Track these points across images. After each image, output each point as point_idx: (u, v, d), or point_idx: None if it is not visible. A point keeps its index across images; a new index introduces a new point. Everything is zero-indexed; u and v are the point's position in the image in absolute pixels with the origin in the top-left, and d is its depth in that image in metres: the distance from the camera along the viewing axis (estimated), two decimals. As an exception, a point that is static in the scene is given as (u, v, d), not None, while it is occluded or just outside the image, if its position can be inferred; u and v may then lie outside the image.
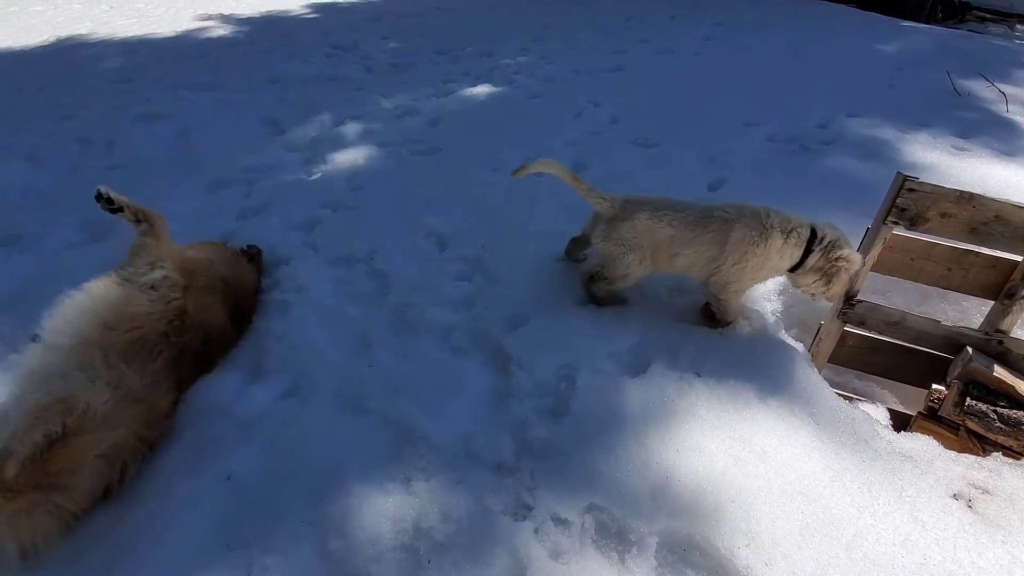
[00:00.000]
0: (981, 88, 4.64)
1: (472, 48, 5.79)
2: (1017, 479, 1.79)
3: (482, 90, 4.58)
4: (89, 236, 2.89)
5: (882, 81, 4.87)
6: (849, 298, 2.33)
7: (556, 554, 1.48)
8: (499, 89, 4.64)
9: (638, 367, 2.01)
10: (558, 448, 1.73)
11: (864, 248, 2.30)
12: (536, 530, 1.53)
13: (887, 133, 3.88)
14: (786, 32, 6.26)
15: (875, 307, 2.33)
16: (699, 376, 1.96)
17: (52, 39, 6.28)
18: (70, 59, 5.58)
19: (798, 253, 2.08)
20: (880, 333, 2.38)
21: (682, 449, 1.71)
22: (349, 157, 3.51)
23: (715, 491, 1.59)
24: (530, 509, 1.58)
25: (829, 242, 2.04)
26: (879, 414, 2.31)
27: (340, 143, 3.69)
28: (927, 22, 8.49)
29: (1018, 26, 10.52)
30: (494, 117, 4.12)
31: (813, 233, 2.06)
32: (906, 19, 7.45)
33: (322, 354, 2.07)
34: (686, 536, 1.51)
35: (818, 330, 2.50)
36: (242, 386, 2.02)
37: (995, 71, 4.93)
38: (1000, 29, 10.18)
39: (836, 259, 2.03)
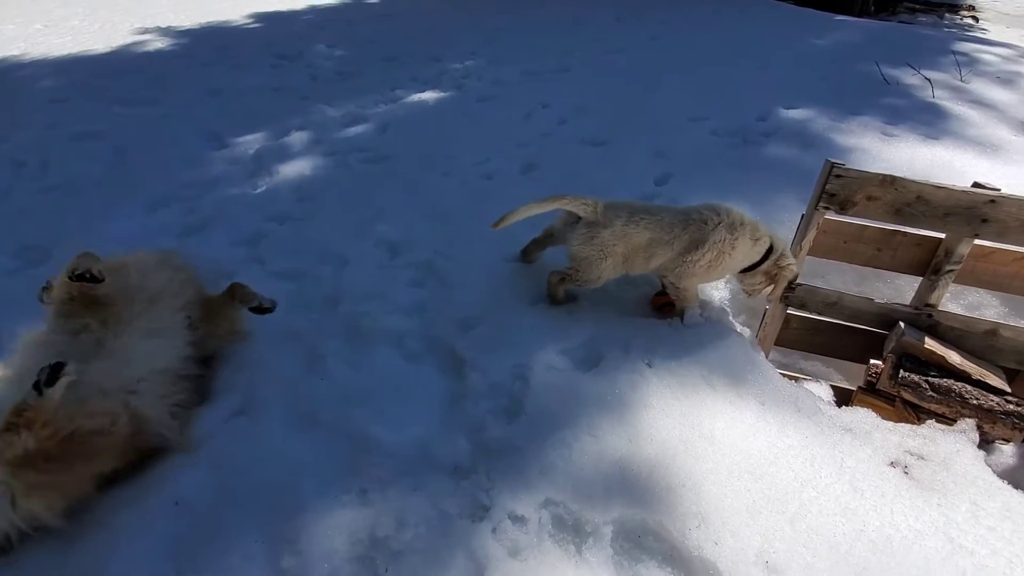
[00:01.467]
0: (908, 76, 4.89)
1: (420, 53, 5.77)
2: (950, 444, 1.90)
3: (431, 95, 4.58)
4: (25, 262, 2.75)
5: (817, 74, 5.07)
6: (789, 282, 2.42)
7: (514, 552, 1.49)
8: (448, 94, 4.64)
9: (591, 361, 2.04)
10: (514, 447, 1.74)
11: (800, 233, 2.39)
12: (494, 530, 1.53)
13: (821, 123, 4.05)
14: (728, 30, 6.47)
15: (814, 289, 2.43)
16: (650, 366, 2.00)
17: (-22, 60, 5.96)
18: (3, 81, 5.30)
19: (756, 258, 2.26)
20: (820, 314, 2.48)
21: (635, 438, 1.74)
22: (295, 168, 3.45)
23: (667, 476, 1.63)
24: (487, 509, 1.58)
25: (780, 251, 2.27)
26: (822, 391, 2.41)
27: (286, 154, 3.62)
28: (860, 15, 8.92)
29: (946, 15, 11.15)
30: (444, 122, 4.12)
31: (770, 244, 2.27)
32: (840, 13, 7.80)
33: (272, 370, 2.03)
34: (640, 522, 1.54)
35: (764, 315, 2.59)
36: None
37: (921, 59, 5.20)
38: (929, 19, 10.77)
39: (784, 266, 2.26)
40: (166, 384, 1.78)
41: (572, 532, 1.54)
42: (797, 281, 2.41)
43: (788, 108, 4.29)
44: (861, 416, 1.99)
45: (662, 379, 1.93)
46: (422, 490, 1.64)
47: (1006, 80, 5.05)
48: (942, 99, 4.51)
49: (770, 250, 2.26)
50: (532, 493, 1.61)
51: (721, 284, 2.66)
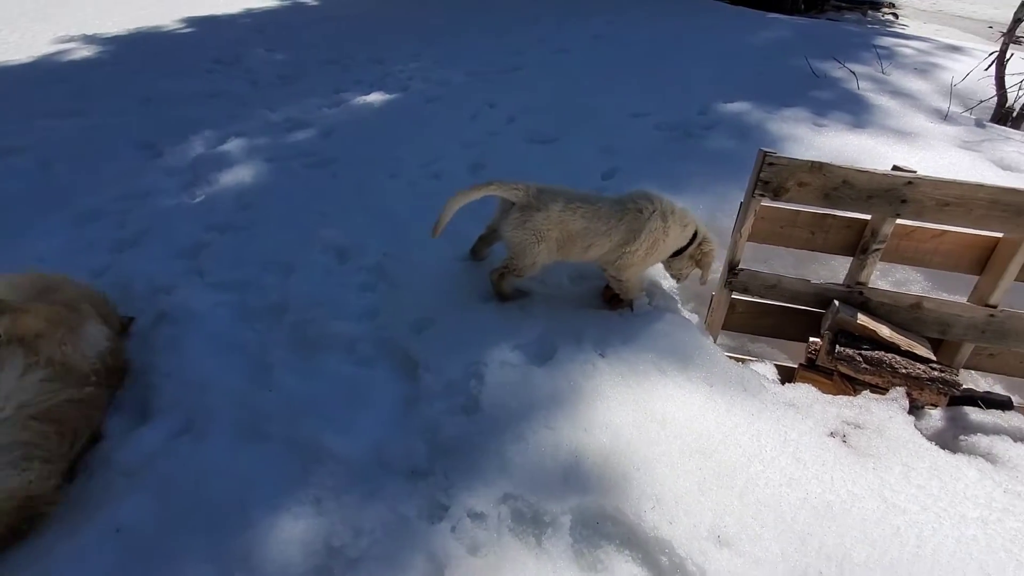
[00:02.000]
0: (835, 69, 5.16)
1: (363, 56, 5.69)
2: (883, 412, 2.01)
3: (376, 97, 4.52)
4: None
5: (752, 69, 5.29)
6: (732, 268, 2.52)
7: (474, 548, 1.49)
8: (393, 96, 4.59)
9: (544, 355, 2.06)
10: (471, 444, 1.74)
11: (739, 220, 2.49)
12: (453, 528, 1.53)
13: (758, 115, 4.23)
14: (667, 29, 6.66)
15: (755, 274, 2.53)
16: (603, 356, 2.04)
17: None
18: (-94, 95, 4.90)
19: (684, 243, 2.37)
20: (762, 297, 2.58)
21: (590, 427, 1.77)
22: (236, 175, 3.33)
23: (622, 462, 1.67)
24: (446, 509, 1.58)
25: (702, 235, 2.40)
26: (767, 370, 2.51)
27: (225, 162, 3.50)
28: (791, 14, 9.36)
29: (869, 12, 11.84)
30: (389, 124, 4.07)
31: (695, 229, 2.39)
32: (772, 12, 8.17)
33: (217, 384, 1.95)
34: (598, 509, 1.57)
35: (711, 301, 2.67)
36: (127, 431, 1.86)
37: (847, 54, 5.50)
38: (854, 16, 11.42)
39: (707, 250, 2.41)
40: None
41: (531, 524, 1.55)
42: (740, 267, 2.51)
43: (727, 102, 4.45)
44: (802, 391, 2.08)
45: (615, 368, 1.97)
46: (378, 495, 1.62)
47: (922, 71, 5.40)
48: (866, 90, 4.78)
49: (695, 235, 2.37)
50: (491, 489, 1.61)
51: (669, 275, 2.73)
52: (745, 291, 2.57)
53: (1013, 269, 2.32)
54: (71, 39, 6.60)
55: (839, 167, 2.27)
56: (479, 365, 1.98)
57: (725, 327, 2.71)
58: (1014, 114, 4.56)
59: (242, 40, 6.40)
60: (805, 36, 6.43)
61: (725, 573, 1.42)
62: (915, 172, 2.28)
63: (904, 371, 2.19)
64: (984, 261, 2.43)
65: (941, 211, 2.27)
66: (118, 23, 7.45)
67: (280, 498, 1.61)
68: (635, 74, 5.08)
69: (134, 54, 5.99)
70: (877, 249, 2.38)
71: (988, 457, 1.89)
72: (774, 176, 2.30)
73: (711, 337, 2.47)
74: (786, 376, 2.53)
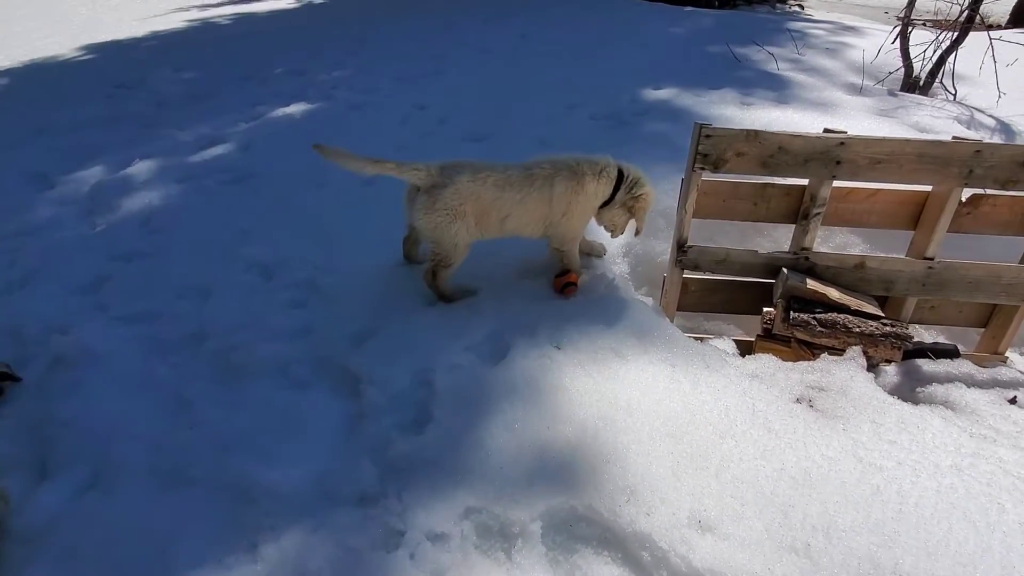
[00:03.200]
0: (755, 53, 5.32)
1: (282, 69, 5.42)
2: (843, 372, 1.99)
3: (296, 108, 4.28)
4: None
5: (677, 57, 5.39)
6: (680, 245, 2.46)
7: (438, 574, 1.32)
8: (316, 105, 4.36)
9: (497, 354, 1.92)
10: (425, 459, 1.57)
11: (682, 197, 2.44)
12: (412, 556, 1.36)
13: (687, 99, 4.27)
14: (590, 26, 6.72)
15: (703, 249, 2.49)
16: (559, 348, 1.92)
17: None
18: None
19: (609, 190, 2.26)
20: (713, 273, 2.55)
21: (552, 423, 1.64)
22: (142, 199, 3.03)
23: (590, 456, 1.54)
24: (402, 535, 1.40)
25: (633, 180, 2.27)
26: (727, 346, 2.46)
27: (128, 186, 3.18)
28: (706, 8, 9.72)
29: (777, 5, 12.49)
30: (313, 133, 3.84)
31: (620, 173, 2.26)
32: (688, 7, 8.44)
33: (126, 429, 1.71)
34: (569, 510, 1.44)
35: (663, 283, 2.62)
36: (25, 493, 1.59)
37: (764, 39, 5.69)
38: (764, 9, 12.02)
39: (639, 195, 2.27)
40: None
41: (499, 538, 1.40)
42: (688, 244, 2.46)
43: (656, 89, 4.49)
44: (763, 362, 2.04)
45: (572, 358, 1.86)
46: (324, 529, 1.43)
47: (832, 50, 5.66)
48: (785, 70, 4.95)
49: (620, 179, 2.26)
50: (450, 506, 1.45)
51: (619, 258, 2.66)
52: (695, 268, 2.52)
53: (944, 221, 2.37)
54: (-46, 74, 6.00)
55: (774, 133, 2.25)
56: (428, 372, 1.82)
57: (680, 308, 2.65)
58: (920, 83, 4.81)
59: (147, 62, 5.99)
60: (723, 25, 6.64)
61: (711, 559, 1.32)
62: (846, 132, 2.30)
63: (858, 329, 2.18)
64: (917, 217, 2.48)
65: (873, 169, 2.29)
66: (12, 56, 6.86)
67: (209, 549, 1.40)
68: (563, 69, 5.06)
69: (28, 85, 5.51)
70: (818, 213, 2.39)
71: (947, 404, 1.89)
72: (712, 148, 2.27)
73: (667, 318, 2.40)
74: (745, 349, 2.50)
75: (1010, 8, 9.36)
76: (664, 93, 4.41)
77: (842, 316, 2.21)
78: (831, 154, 2.26)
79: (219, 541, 1.41)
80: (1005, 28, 8.07)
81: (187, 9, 9.06)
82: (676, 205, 2.55)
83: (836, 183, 2.36)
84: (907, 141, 2.22)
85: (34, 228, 2.84)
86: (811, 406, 1.81)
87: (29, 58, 6.77)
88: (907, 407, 1.79)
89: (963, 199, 2.39)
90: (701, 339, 2.50)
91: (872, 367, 2.23)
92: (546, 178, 2.14)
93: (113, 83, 5.27)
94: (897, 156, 2.25)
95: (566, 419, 1.66)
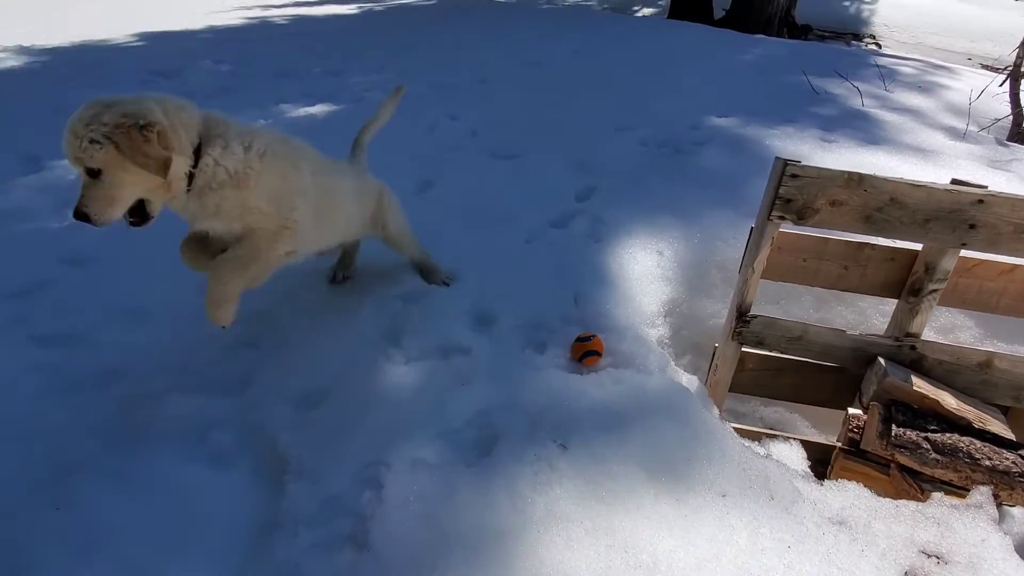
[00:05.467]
0: (834, 86, 4.71)
1: (320, 69, 5.16)
2: (971, 530, 1.38)
3: (321, 109, 3.94)
4: None
5: (745, 84, 4.84)
6: (742, 314, 1.91)
7: None
8: (342, 107, 4.02)
9: (481, 446, 1.41)
10: (346, 614, 1.07)
11: (750, 252, 1.89)
12: None
13: (756, 130, 3.71)
14: (650, 46, 6.25)
15: (772, 322, 1.93)
16: (565, 448, 1.39)
17: None
18: None
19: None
20: (782, 352, 1.97)
21: (540, 578, 1.11)
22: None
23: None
24: None
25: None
26: (794, 455, 1.88)
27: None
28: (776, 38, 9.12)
29: (853, 42, 11.72)
30: (331, 136, 3.44)
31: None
32: (759, 35, 7.86)
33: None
34: None
35: (713, 355, 2.05)
36: None
37: (845, 72, 5.07)
38: (838, 45, 11.28)
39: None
40: None
41: None
42: (752, 313, 1.90)
43: (720, 117, 3.94)
44: (852, 497, 1.45)
45: (581, 470, 1.33)
46: None
47: (925, 89, 4.98)
48: (871, 107, 4.32)
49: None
50: None
51: (659, 319, 2.12)
52: (759, 344, 1.95)
53: (1114, 317, 1.74)
54: (4, 50, 6.02)
55: (885, 180, 1.69)
56: (378, 468, 1.32)
57: (732, 389, 2.08)
58: (1034, 133, 4.10)
59: (191, 53, 5.85)
60: (798, 54, 6.03)
61: None
62: (985, 187, 1.71)
63: (988, 463, 1.56)
64: (1070, 306, 1.85)
65: (1020, 239, 1.69)
66: (67, 36, 6.89)
67: None
68: (616, 89, 4.58)
69: (66, 65, 5.41)
70: (935, 290, 1.79)
71: None
72: (798, 192, 1.72)
73: (716, 408, 1.84)
74: (817, 457, 1.90)
75: None
76: (729, 122, 3.86)
77: (967, 440, 1.60)
78: (964, 214, 1.68)
79: None
80: None
81: (250, 8, 9.10)
82: (738, 258, 2.00)
83: (964, 252, 1.77)
84: (1077, 207, 1.62)
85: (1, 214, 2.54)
86: (928, 587, 1.22)
87: (81, 39, 6.79)
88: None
89: None
90: (759, 437, 1.93)
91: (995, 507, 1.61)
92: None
93: (150, 70, 5.11)
94: (1059, 226, 1.64)
95: (561, 571, 1.13)
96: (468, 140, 3.51)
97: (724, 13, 9.22)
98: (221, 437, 1.45)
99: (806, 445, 1.96)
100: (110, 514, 1.27)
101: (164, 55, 5.72)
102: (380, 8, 9.70)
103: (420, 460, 1.34)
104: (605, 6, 11.25)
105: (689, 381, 1.85)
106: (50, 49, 6.18)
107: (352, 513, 1.25)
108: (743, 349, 2.00)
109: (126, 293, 1.95)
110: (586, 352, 1.75)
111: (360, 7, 9.61)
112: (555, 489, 1.28)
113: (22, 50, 6.06)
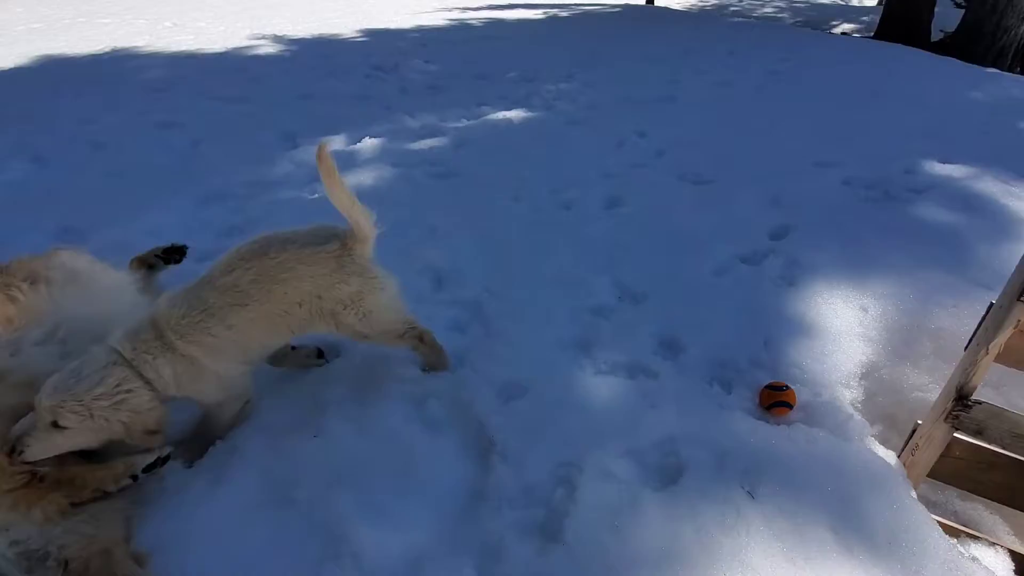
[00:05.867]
0: (1100, 141, 3.92)
1: (514, 74, 5.50)
2: None
3: (516, 114, 4.22)
4: (65, 242, 2.62)
5: (975, 127, 4.21)
6: (962, 396, 1.72)
7: None
8: (535, 114, 4.27)
9: (666, 473, 1.48)
10: (540, 591, 1.22)
11: (986, 331, 1.70)
12: None
13: (989, 184, 3.24)
14: (860, 70, 5.68)
15: (999, 412, 1.71)
16: (752, 496, 1.41)
17: (108, 49, 6.41)
18: (115, 68, 5.63)
19: None
20: (1003, 447, 1.75)
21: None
22: (358, 176, 3.17)
23: None
24: None
25: None
26: (998, 562, 1.67)
27: (353, 161, 3.37)
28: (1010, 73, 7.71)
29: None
30: (524, 142, 3.73)
31: None
32: (992, 68, 6.72)
33: (260, 416, 1.64)
34: None
35: (913, 432, 1.88)
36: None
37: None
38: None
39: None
40: None
41: None
42: (975, 399, 1.71)
43: (943, 162, 3.50)
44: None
45: (770, 523, 1.34)
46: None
47: None
48: None
49: None
50: None
51: (854, 380, 2.00)
52: (978, 434, 1.75)
53: None
54: (263, 37, 7.25)
55: None
56: (573, 468, 1.46)
57: (931, 474, 1.89)
58: None
59: (404, 51, 6.57)
60: (1043, 97, 5.08)
61: None
62: None
63: None
64: None
65: None
66: (307, 28, 8.12)
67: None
68: (818, 117, 4.26)
69: (309, 55, 6.38)
70: None
71: None
72: (1068, 277, 1.51)
73: (913, 490, 1.70)
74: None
75: None
76: (954, 170, 3.41)
77: None
78: None
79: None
80: None
81: (451, 10, 9.92)
82: (955, 329, 1.81)
83: None
84: None
85: (268, 182, 3.14)
86: None
87: (319, 32, 7.92)
88: None
89: None
90: (955, 534, 1.75)
91: None
92: None
93: (373, 65, 5.83)
94: None
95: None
96: (655, 159, 3.53)
97: (942, 35, 7.99)
98: (436, 408, 1.69)
99: (1014, 556, 1.73)
100: (351, 449, 1.56)
101: (383, 52, 6.49)
102: (565, 14, 9.98)
103: (610, 472, 1.45)
104: (798, 19, 10.39)
105: (886, 455, 1.73)
106: (295, 39, 7.30)
107: (545, 505, 1.40)
108: (954, 434, 1.81)
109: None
110: (777, 402, 1.72)
111: (546, 12, 9.98)
112: (742, 536, 1.30)
113: (276, 38, 7.23)
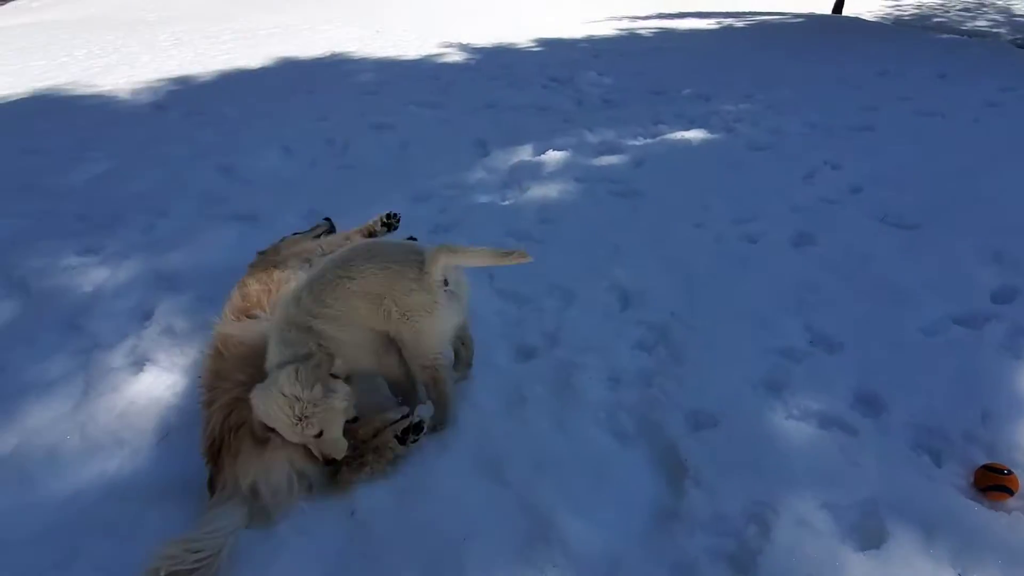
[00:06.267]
0: None
1: (689, 91, 5.42)
2: None
3: (695, 135, 4.19)
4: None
5: None
6: None
7: None
8: (715, 136, 4.20)
9: (867, 535, 1.46)
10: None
11: None
12: None
13: None
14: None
15: None
16: (966, 585, 1.34)
17: (328, 53, 7.47)
18: (335, 71, 6.56)
19: None
20: None
21: None
22: (543, 188, 3.40)
23: None
24: None
25: None
26: None
27: (538, 172, 3.62)
28: None
29: None
30: (705, 166, 3.71)
31: None
32: None
33: (473, 396, 1.90)
34: None
35: None
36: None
37: None
38: None
39: None
40: None
41: None
42: None
43: None
44: None
45: (988, 613, 1.27)
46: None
47: None
48: None
49: None
50: None
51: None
52: None
53: None
54: (450, 45, 7.92)
55: None
56: (767, 508, 1.50)
57: None
58: None
59: (577, 62, 6.77)
60: None
61: None
62: None
63: None
64: None
65: None
66: (487, 37, 8.70)
67: (496, 562, 1.43)
68: (1055, 161, 3.67)
69: (490, 64, 6.85)
70: None
71: None
72: None
73: None
74: None
75: None
76: None
77: None
78: None
79: (506, 562, 1.44)
80: None
81: (620, 19, 9.94)
82: None
83: None
84: None
85: (466, 186, 3.51)
86: None
87: (497, 41, 8.43)
88: None
89: None
90: None
91: None
92: None
93: (549, 76, 6.10)
94: None
95: None
96: (850, 195, 3.31)
97: None
98: (626, 420, 1.82)
99: None
100: (552, 444, 1.75)
101: (557, 63, 6.74)
102: (740, 24, 9.49)
103: (806, 521, 1.47)
104: (1018, 36, 8.76)
105: None
106: (478, 48, 7.86)
107: (737, 537, 1.46)
108: None
109: (557, 273, 2.52)
110: (996, 485, 1.59)
111: (719, 22, 9.56)
112: (955, 617, 1.26)
113: (461, 47, 7.85)
